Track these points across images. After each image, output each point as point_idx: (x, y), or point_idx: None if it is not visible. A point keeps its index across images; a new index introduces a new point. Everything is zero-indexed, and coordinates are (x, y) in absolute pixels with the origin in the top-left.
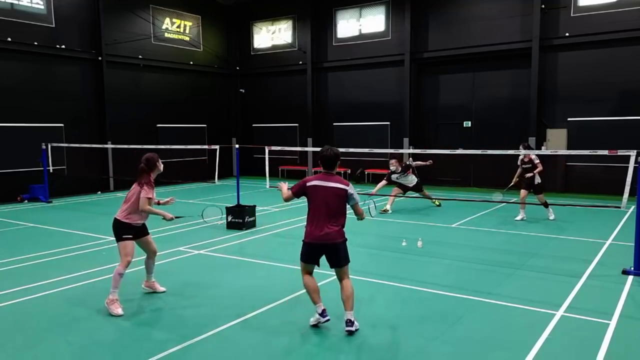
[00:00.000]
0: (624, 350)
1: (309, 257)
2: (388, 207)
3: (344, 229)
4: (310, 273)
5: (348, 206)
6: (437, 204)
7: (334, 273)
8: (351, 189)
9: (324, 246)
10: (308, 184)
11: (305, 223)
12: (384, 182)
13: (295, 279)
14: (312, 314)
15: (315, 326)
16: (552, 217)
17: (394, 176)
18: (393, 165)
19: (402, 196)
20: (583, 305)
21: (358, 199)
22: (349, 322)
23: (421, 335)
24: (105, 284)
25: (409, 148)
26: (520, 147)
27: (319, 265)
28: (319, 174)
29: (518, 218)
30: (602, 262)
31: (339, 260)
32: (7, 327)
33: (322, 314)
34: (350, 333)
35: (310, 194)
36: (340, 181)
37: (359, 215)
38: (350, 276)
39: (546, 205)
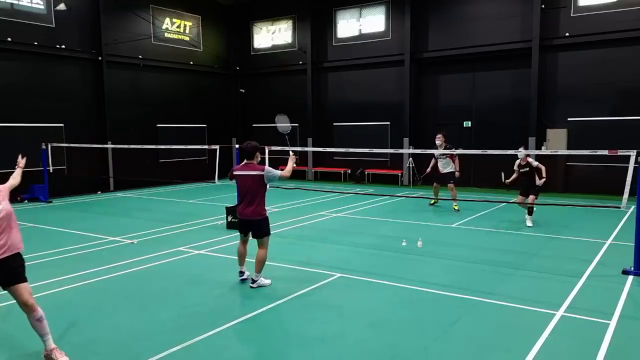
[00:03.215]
0: (624, 350)
1: (241, 229)
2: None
3: (264, 207)
4: (244, 242)
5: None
6: (457, 208)
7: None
8: (266, 171)
9: (247, 222)
10: (234, 172)
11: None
12: (433, 161)
13: (295, 279)
14: (308, 317)
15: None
16: (529, 223)
17: (436, 152)
18: (439, 139)
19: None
20: (583, 305)
21: (276, 173)
22: (252, 280)
23: (421, 335)
24: (105, 283)
25: (409, 148)
26: (521, 148)
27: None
28: (243, 163)
29: (529, 224)
30: (602, 262)
31: (257, 233)
32: (7, 327)
33: (240, 274)
34: (252, 286)
35: (236, 181)
36: (256, 168)
37: (285, 176)
38: (351, 276)
39: (530, 211)
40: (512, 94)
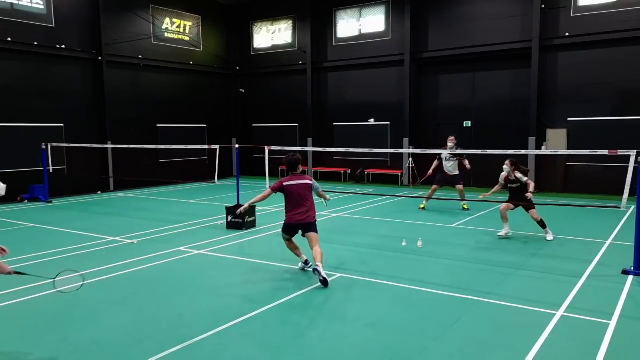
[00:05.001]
0: (624, 350)
1: (290, 232)
2: (425, 203)
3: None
4: (290, 240)
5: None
6: (466, 207)
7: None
8: (313, 182)
9: (303, 224)
10: (284, 184)
11: (286, 210)
12: (436, 162)
13: (295, 279)
14: (308, 317)
15: (303, 270)
16: (550, 237)
17: (444, 154)
18: (451, 142)
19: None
20: (583, 305)
21: (319, 186)
22: (315, 270)
23: (421, 335)
24: (105, 284)
25: (409, 148)
26: (507, 163)
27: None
28: (290, 175)
29: (502, 233)
30: (602, 262)
31: (312, 230)
32: (7, 327)
33: (306, 262)
34: (319, 270)
35: (287, 192)
36: (305, 178)
37: (323, 198)
38: (351, 276)
39: (543, 224)
40: (512, 94)
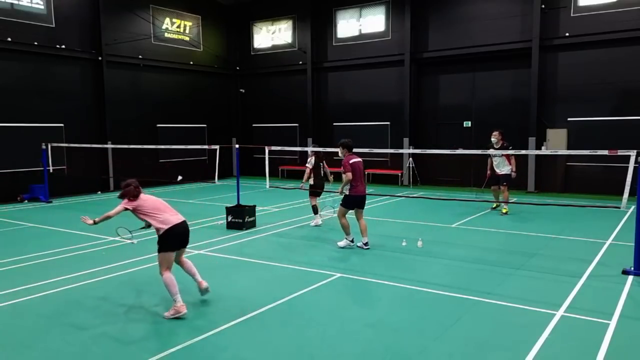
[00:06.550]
0: (624, 350)
1: (354, 205)
2: (499, 205)
3: None
4: (345, 215)
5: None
6: (505, 211)
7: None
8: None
9: (364, 197)
10: (351, 162)
11: (350, 186)
12: (490, 161)
13: (295, 279)
14: (308, 317)
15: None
16: (313, 223)
17: (491, 150)
18: (494, 137)
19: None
20: (583, 305)
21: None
22: (366, 244)
23: (421, 335)
24: (105, 284)
25: (409, 148)
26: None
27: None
28: (351, 154)
29: (312, 223)
30: (602, 262)
31: (364, 205)
32: (7, 327)
33: (352, 240)
34: (366, 248)
35: (354, 168)
36: (359, 156)
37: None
38: (351, 276)
39: (315, 211)
40: (512, 94)
